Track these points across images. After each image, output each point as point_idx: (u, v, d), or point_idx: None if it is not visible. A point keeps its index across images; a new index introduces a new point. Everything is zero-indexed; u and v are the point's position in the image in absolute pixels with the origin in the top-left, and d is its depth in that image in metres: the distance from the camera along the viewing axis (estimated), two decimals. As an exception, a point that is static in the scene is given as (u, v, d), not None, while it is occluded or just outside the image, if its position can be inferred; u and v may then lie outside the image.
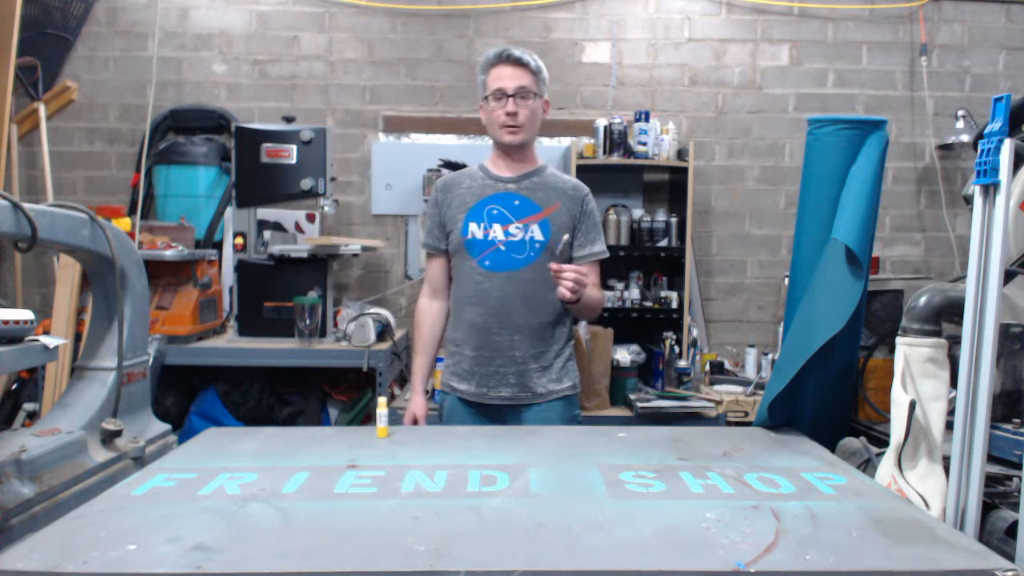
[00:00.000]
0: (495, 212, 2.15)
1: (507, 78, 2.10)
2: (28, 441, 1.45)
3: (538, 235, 2.13)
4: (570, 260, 2.20)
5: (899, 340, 1.46)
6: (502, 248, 2.13)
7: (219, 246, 3.89)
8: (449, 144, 4.14)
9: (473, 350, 2.16)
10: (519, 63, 2.11)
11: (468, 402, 2.19)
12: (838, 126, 1.80)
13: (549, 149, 4.06)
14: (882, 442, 1.62)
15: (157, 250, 3.22)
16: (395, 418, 2.12)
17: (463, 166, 3.53)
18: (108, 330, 1.74)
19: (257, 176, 3.31)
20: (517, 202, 2.15)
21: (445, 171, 3.75)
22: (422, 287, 2.33)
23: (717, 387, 3.60)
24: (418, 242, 4.05)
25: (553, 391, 2.16)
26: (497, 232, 2.13)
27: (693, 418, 3.20)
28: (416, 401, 2.26)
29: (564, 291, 1.96)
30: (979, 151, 1.30)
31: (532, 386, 2.14)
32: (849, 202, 1.75)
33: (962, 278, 1.40)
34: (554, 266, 1.98)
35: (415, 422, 2.25)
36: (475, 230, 2.14)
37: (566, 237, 2.13)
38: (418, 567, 1.02)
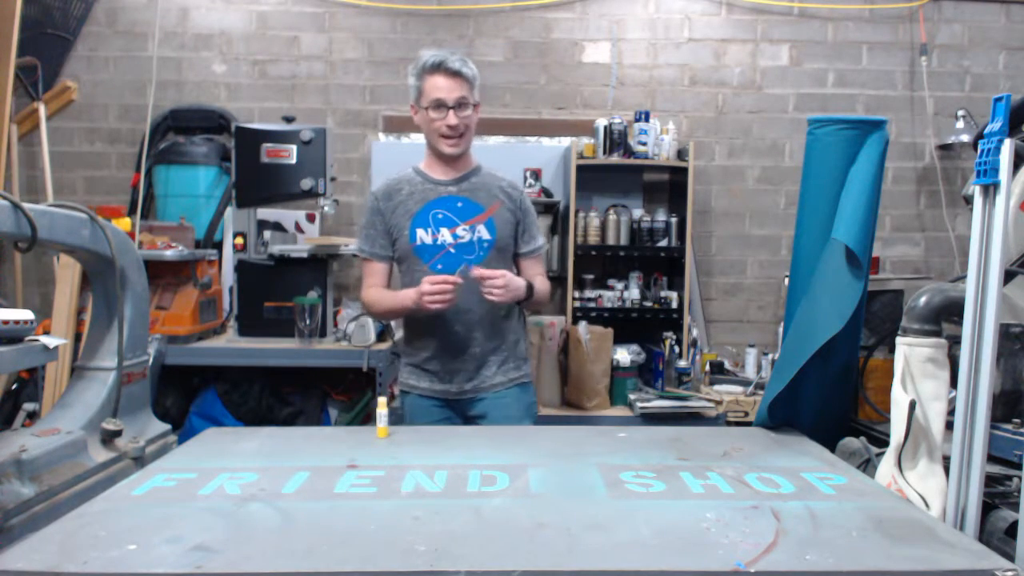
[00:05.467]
0: (440, 216, 2.17)
1: (445, 89, 2.10)
2: (28, 441, 1.45)
3: (485, 235, 2.17)
4: (515, 257, 2.26)
5: (899, 340, 1.46)
6: (452, 251, 2.16)
7: (219, 246, 3.88)
8: (449, 144, 4.13)
9: (434, 350, 2.20)
10: (457, 75, 2.10)
11: (428, 397, 2.23)
12: (838, 126, 1.80)
13: (549, 149, 4.05)
14: (882, 442, 1.62)
15: (157, 250, 3.21)
16: (396, 418, 2.12)
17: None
18: (108, 330, 1.74)
19: (257, 176, 3.30)
20: (460, 204, 2.18)
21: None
22: (364, 287, 2.25)
23: (717, 387, 3.60)
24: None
25: (512, 379, 2.24)
26: (445, 235, 2.16)
27: (693, 418, 3.20)
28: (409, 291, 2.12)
29: (494, 297, 2.04)
30: (979, 151, 1.30)
31: (490, 376, 2.21)
32: (849, 202, 1.74)
33: (962, 278, 1.40)
34: (475, 273, 2.04)
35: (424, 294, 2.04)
36: (423, 236, 2.16)
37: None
38: (418, 567, 1.02)
